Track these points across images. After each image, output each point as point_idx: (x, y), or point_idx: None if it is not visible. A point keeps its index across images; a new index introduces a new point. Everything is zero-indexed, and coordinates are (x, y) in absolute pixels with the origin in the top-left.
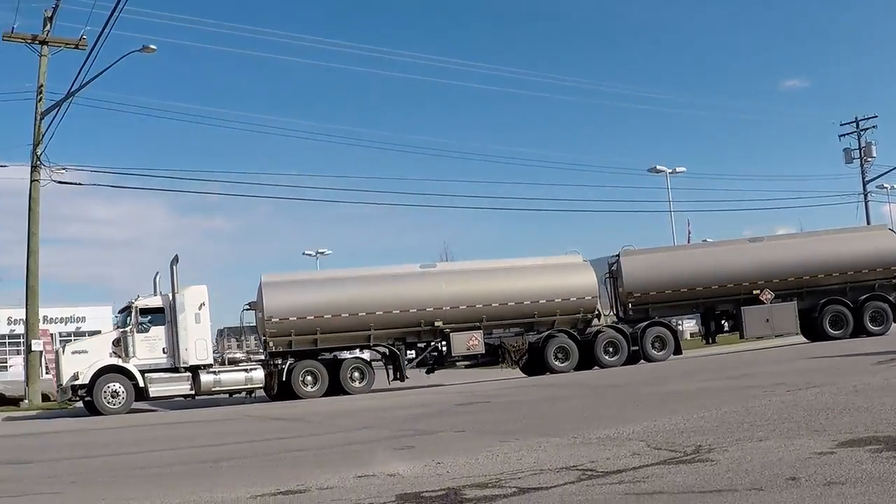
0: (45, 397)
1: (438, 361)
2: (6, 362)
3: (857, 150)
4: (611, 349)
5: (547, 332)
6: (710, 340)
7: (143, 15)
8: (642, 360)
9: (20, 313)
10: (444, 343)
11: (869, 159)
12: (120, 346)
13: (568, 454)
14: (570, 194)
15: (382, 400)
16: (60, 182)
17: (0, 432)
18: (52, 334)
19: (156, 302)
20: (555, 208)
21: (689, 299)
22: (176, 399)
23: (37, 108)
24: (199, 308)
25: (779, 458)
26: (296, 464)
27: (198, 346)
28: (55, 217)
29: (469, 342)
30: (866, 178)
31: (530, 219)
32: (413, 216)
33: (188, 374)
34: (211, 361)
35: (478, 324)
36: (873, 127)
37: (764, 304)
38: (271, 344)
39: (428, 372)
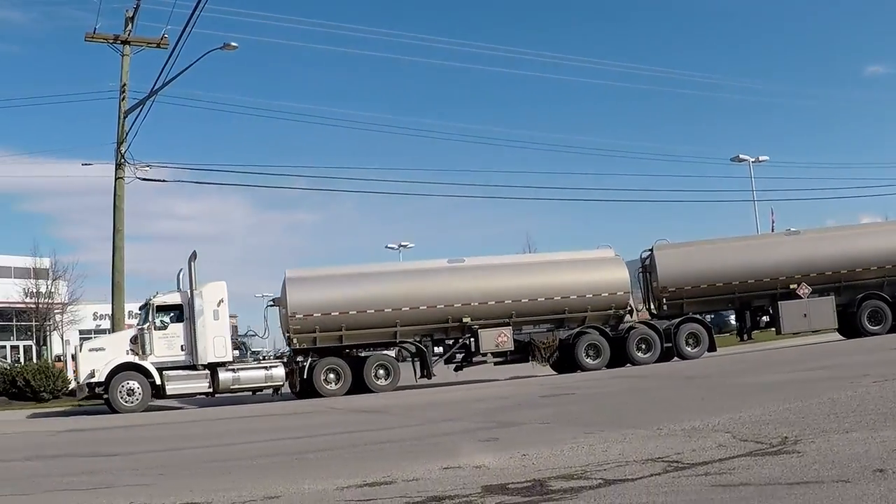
0: None
1: (467, 358)
2: None
3: None
4: (643, 346)
5: (577, 329)
6: (747, 336)
7: (224, 13)
8: (675, 358)
9: (106, 308)
10: (472, 339)
11: None
12: (137, 343)
13: (653, 446)
14: (653, 185)
15: (464, 392)
16: (144, 179)
17: (82, 426)
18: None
19: (174, 299)
20: (637, 199)
21: (724, 294)
22: (202, 397)
23: (120, 106)
24: (218, 305)
25: (865, 449)
26: (381, 455)
27: (216, 343)
28: (140, 214)
29: (498, 339)
30: None
31: (612, 209)
32: (495, 207)
33: (206, 371)
34: (230, 359)
35: (507, 320)
36: None
37: (801, 298)
38: (295, 341)
39: (456, 369)
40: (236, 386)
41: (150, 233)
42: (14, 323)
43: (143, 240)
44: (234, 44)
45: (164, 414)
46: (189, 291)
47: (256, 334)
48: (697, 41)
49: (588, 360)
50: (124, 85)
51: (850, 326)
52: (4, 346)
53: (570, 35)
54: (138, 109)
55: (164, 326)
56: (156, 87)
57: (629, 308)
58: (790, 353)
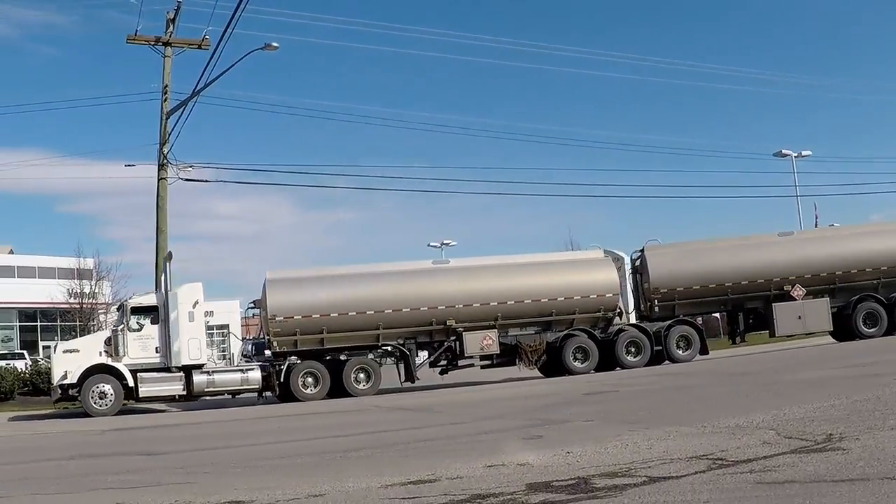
0: None
1: (452, 362)
2: None
3: None
4: (633, 349)
5: (565, 332)
6: (739, 339)
7: (264, 13)
8: (666, 361)
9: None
10: (456, 342)
11: None
12: (112, 345)
13: (697, 443)
14: (694, 181)
15: (508, 389)
16: (186, 179)
17: (129, 425)
18: None
19: (149, 300)
20: (678, 195)
21: (717, 295)
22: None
23: (162, 108)
24: (194, 306)
25: None
26: (424, 453)
27: (191, 345)
28: (182, 214)
29: (483, 342)
30: None
31: (652, 206)
32: (537, 205)
33: (181, 373)
34: (205, 361)
35: (492, 322)
36: None
37: (795, 300)
38: (275, 344)
39: (442, 373)
40: (210, 389)
41: (192, 232)
42: (58, 323)
43: (185, 239)
44: (275, 44)
45: (206, 413)
46: (164, 293)
47: (236, 336)
48: (742, 36)
49: (576, 363)
50: (166, 86)
51: (844, 329)
52: (49, 347)
53: (613, 33)
54: (180, 110)
55: (139, 328)
56: (198, 88)
57: (619, 310)
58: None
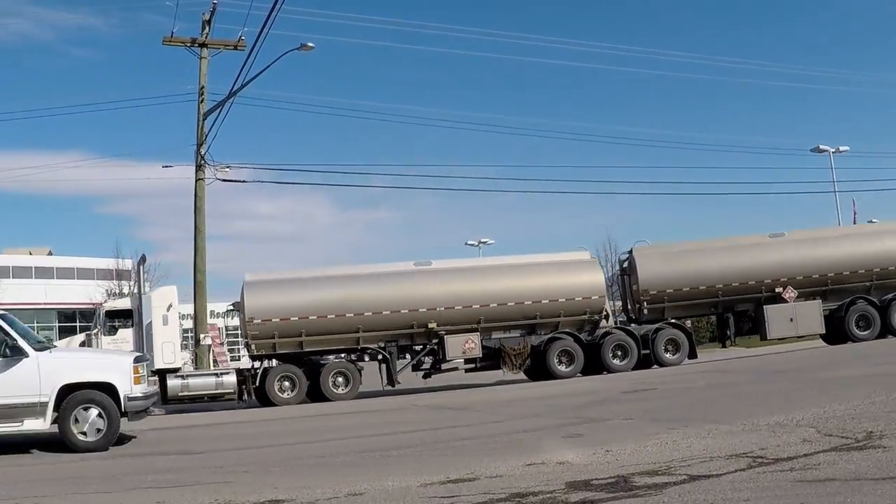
0: None
1: (435, 366)
2: None
3: None
4: (619, 353)
5: (550, 335)
6: (729, 342)
7: (300, 13)
8: (655, 365)
9: (188, 308)
10: (438, 346)
11: None
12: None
13: (737, 441)
14: (732, 177)
15: (546, 388)
16: (224, 180)
17: (166, 424)
18: (219, 328)
19: (124, 304)
20: (716, 191)
21: (707, 297)
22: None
23: (199, 109)
24: (168, 310)
25: None
26: (464, 452)
27: (164, 349)
28: (220, 215)
29: (465, 345)
30: None
31: (691, 203)
32: (576, 203)
33: (154, 378)
34: (179, 365)
35: (475, 325)
36: None
37: (787, 302)
38: (253, 347)
39: (425, 377)
40: (185, 393)
41: (230, 232)
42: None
43: (224, 239)
44: (310, 44)
45: (245, 412)
46: (138, 296)
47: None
48: (776, 30)
49: (561, 367)
50: (202, 87)
51: (836, 332)
52: None
53: (648, 29)
54: (217, 111)
55: (113, 332)
56: (234, 89)
57: (605, 313)
58: (874, 347)
